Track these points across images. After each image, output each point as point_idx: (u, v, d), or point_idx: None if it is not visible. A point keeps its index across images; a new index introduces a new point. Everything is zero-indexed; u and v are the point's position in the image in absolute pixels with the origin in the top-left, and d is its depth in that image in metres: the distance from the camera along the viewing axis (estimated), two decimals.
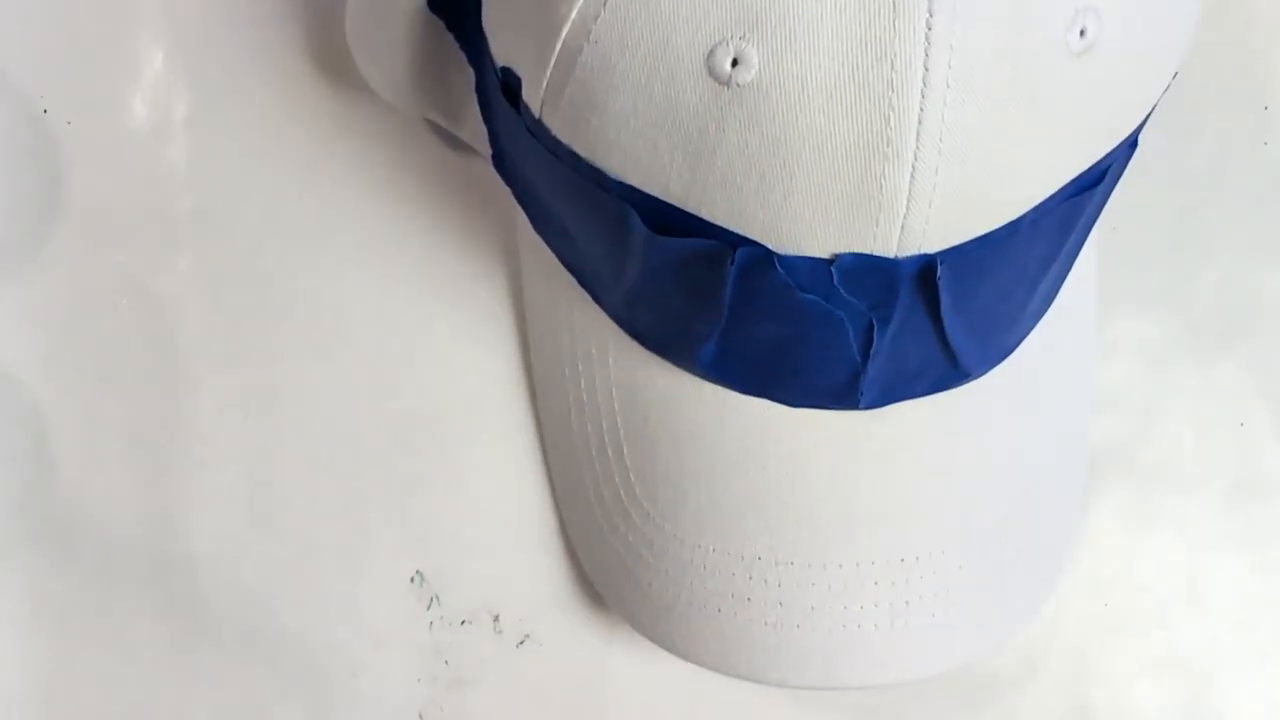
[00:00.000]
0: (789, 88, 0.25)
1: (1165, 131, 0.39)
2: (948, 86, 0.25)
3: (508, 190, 0.36)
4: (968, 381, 0.33)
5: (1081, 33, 0.25)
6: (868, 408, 0.32)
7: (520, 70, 0.29)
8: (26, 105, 0.40)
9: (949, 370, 0.32)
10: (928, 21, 0.24)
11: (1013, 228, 0.28)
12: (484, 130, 0.35)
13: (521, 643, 0.38)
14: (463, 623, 0.38)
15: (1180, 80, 0.39)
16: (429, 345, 0.39)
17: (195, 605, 0.38)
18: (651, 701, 0.38)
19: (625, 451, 0.34)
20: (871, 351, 0.30)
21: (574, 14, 0.26)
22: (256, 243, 0.40)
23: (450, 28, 0.35)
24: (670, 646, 0.33)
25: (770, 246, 0.28)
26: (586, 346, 0.35)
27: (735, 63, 0.25)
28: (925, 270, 0.28)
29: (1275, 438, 0.39)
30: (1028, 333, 0.34)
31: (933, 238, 0.27)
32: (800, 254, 0.28)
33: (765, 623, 0.32)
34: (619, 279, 0.32)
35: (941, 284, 0.28)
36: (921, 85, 0.25)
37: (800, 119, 0.25)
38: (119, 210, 0.40)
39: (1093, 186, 0.29)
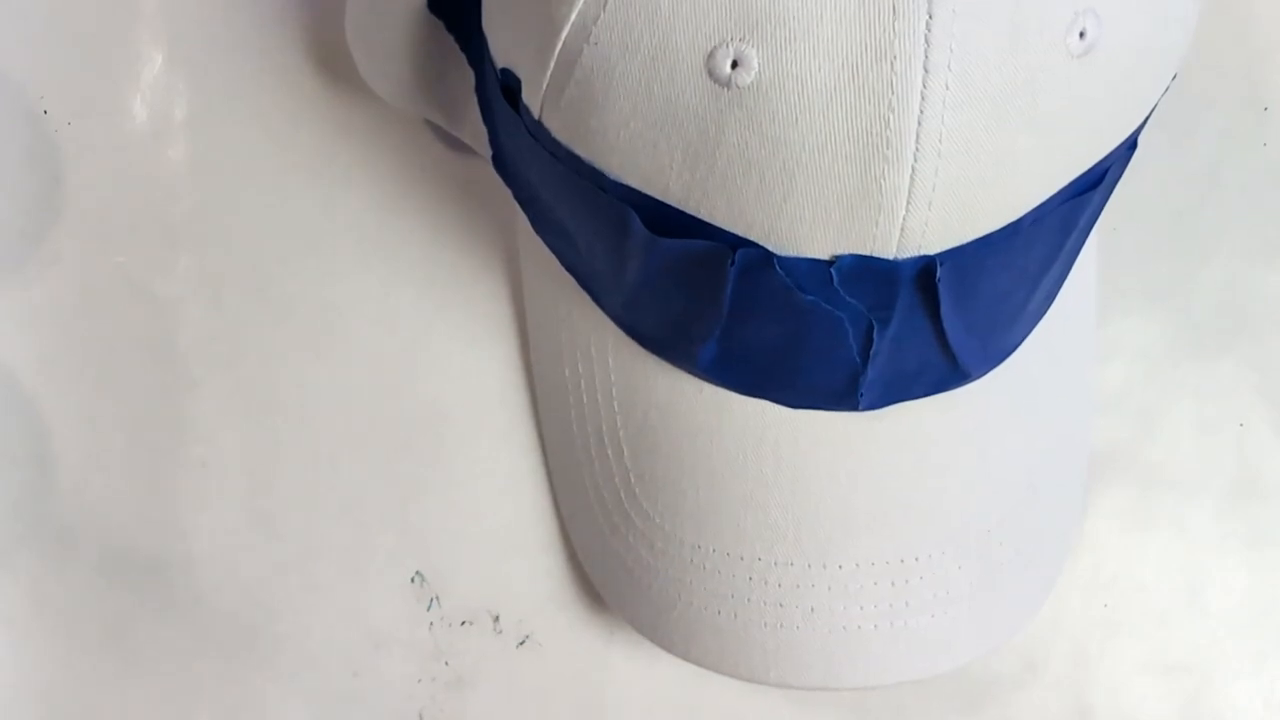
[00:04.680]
0: (789, 89, 0.25)
1: (1165, 132, 0.39)
2: (947, 88, 0.25)
3: (508, 191, 0.36)
4: (967, 382, 0.33)
5: (1081, 34, 0.25)
6: (867, 409, 0.32)
7: (520, 71, 0.29)
8: (27, 105, 0.40)
9: (949, 371, 0.32)
10: (927, 23, 0.24)
11: (1012, 229, 0.28)
12: (484, 131, 0.35)
13: (522, 643, 0.38)
14: (463, 623, 0.38)
15: (1180, 80, 0.39)
16: (429, 346, 0.39)
17: (195, 605, 0.38)
18: (651, 702, 0.38)
19: (625, 452, 0.34)
20: (871, 352, 0.30)
21: (574, 15, 0.26)
22: (256, 243, 0.40)
23: (450, 29, 0.35)
24: (670, 647, 0.33)
25: (770, 248, 0.28)
26: (586, 347, 0.35)
27: (735, 64, 0.25)
28: (925, 271, 0.28)
29: (1275, 438, 0.39)
30: (1027, 333, 0.34)
31: (932, 239, 0.27)
32: (800, 255, 0.28)
33: (764, 623, 0.32)
34: (619, 280, 0.32)
35: (941, 285, 0.28)
36: (921, 87, 0.25)
37: (800, 120, 0.25)
38: (119, 211, 0.40)
39: (1092, 188, 0.29)
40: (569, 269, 0.35)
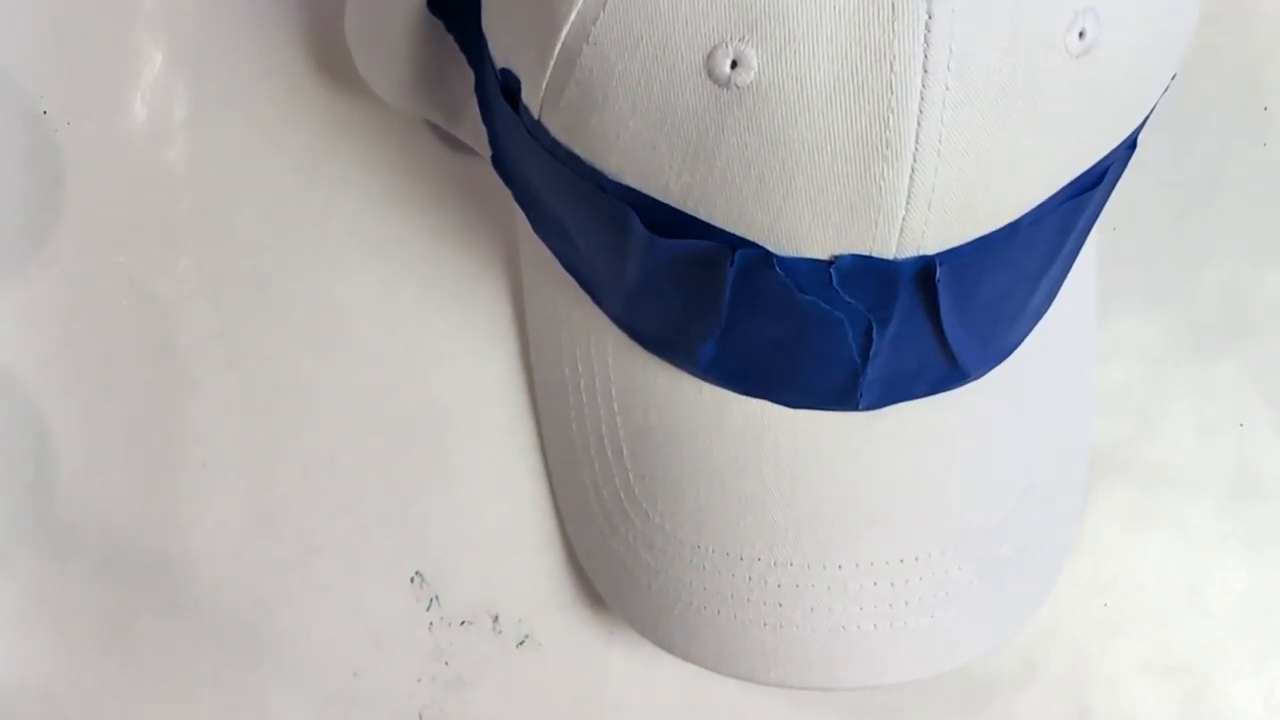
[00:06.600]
0: (788, 89, 0.25)
1: (1165, 132, 0.39)
2: (947, 88, 0.25)
3: (507, 191, 0.36)
4: (967, 382, 0.33)
5: (1081, 34, 0.25)
6: (867, 408, 0.32)
7: (519, 71, 0.29)
8: (26, 105, 0.40)
9: (948, 371, 0.32)
10: (926, 24, 0.24)
11: (1012, 229, 0.28)
12: (484, 131, 0.35)
13: (521, 643, 0.38)
14: (463, 623, 0.38)
15: (1180, 80, 0.39)
16: (429, 345, 0.39)
17: (195, 605, 0.38)
18: (651, 702, 0.38)
19: (625, 452, 0.34)
20: (870, 352, 0.30)
21: (573, 15, 0.26)
22: (256, 243, 0.40)
23: (450, 29, 0.35)
24: (669, 647, 0.33)
25: (769, 248, 0.28)
26: (586, 347, 0.35)
27: (734, 64, 0.25)
28: (924, 271, 0.28)
29: (1275, 438, 0.39)
30: (1027, 333, 0.34)
31: (932, 239, 0.27)
32: (799, 255, 0.28)
33: (764, 623, 0.32)
34: (618, 280, 0.32)
35: (940, 285, 0.28)
36: (920, 87, 0.25)
37: (799, 121, 0.25)
38: (119, 211, 0.40)
39: (1092, 188, 0.29)
40: (569, 269, 0.35)
